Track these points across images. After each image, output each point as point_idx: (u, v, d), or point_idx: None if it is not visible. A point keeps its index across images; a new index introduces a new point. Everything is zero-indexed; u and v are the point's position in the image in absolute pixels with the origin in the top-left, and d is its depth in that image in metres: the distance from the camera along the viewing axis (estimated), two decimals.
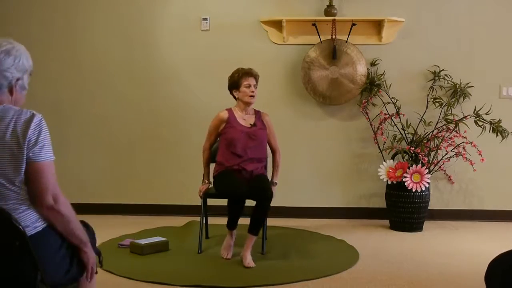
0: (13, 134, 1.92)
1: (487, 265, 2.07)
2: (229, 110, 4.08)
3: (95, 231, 2.31)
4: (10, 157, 1.91)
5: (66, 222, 2.00)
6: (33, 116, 1.96)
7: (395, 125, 4.96)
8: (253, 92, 4.00)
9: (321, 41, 5.03)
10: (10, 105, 2.00)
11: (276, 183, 4.05)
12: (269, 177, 4.06)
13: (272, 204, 3.81)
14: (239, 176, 3.91)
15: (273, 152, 4.17)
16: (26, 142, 1.92)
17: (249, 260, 3.73)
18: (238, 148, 3.94)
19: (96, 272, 2.18)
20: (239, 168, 3.93)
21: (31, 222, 1.94)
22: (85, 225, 2.21)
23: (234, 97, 4.08)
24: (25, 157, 1.92)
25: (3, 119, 1.94)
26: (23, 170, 1.93)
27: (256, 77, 4.06)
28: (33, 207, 1.96)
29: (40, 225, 1.96)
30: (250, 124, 4.03)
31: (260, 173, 4.00)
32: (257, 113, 4.12)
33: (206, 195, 4.02)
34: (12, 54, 2.01)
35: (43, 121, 1.99)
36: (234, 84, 4.04)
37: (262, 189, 3.78)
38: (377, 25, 5.09)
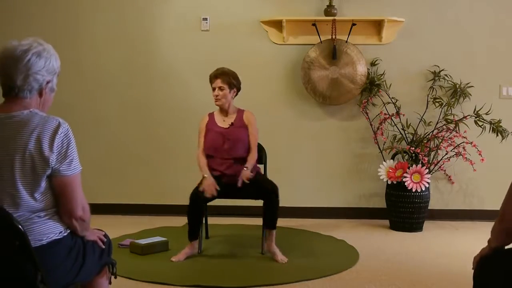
0: (36, 142, 1.86)
1: None
2: (210, 114, 4.04)
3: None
4: (31, 165, 1.86)
5: (86, 226, 2.05)
6: (59, 125, 1.91)
7: (395, 125, 4.96)
8: (217, 95, 3.91)
9: (321, 41, 5.03)
10: (36, 111, 1.96)
11: (246, 168, 3.79)
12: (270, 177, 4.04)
13: None
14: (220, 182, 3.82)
15: (249, 150, 3.90)
16: (54, 154, 1.87)
17: (279, 256, 3.76)
18: (211, 150, 3.90)
19: (116, 277, 2.23)
20: (221, 174, 3.85)
21: (38, 235, 1.89)
22: (104, 235, 2.22)
23: None
24: (49, 169, 1.87)
25: (27, 126, 1.88)
26: (43, 180, 1.88)
27: (222, 76, 3.90)
28: (56, 217, 1.95)
29: (45, 239, 1.91)
30: (229, 124, 3.95)
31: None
32: (239, 112, 3.99)
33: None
34: (43, 56, 1.98)
35: (70, 130, 1.94)
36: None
37: (266, 189, 3.75)
38: (377, 25, 5.09)
